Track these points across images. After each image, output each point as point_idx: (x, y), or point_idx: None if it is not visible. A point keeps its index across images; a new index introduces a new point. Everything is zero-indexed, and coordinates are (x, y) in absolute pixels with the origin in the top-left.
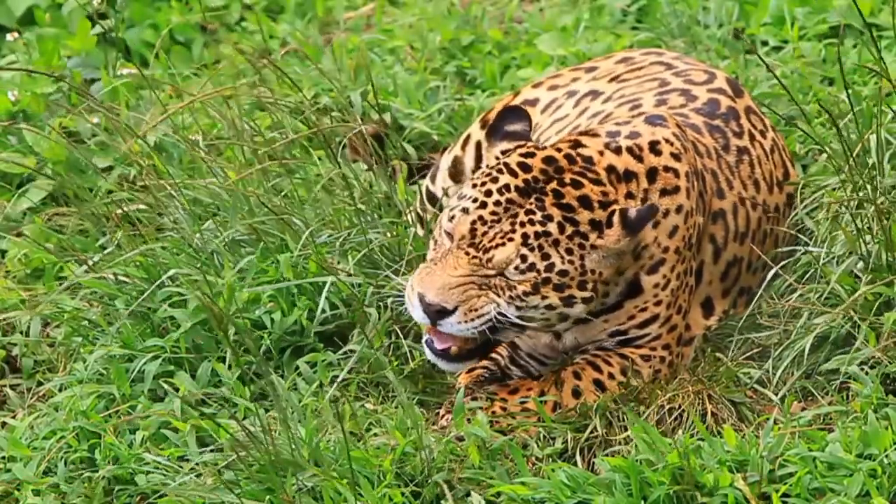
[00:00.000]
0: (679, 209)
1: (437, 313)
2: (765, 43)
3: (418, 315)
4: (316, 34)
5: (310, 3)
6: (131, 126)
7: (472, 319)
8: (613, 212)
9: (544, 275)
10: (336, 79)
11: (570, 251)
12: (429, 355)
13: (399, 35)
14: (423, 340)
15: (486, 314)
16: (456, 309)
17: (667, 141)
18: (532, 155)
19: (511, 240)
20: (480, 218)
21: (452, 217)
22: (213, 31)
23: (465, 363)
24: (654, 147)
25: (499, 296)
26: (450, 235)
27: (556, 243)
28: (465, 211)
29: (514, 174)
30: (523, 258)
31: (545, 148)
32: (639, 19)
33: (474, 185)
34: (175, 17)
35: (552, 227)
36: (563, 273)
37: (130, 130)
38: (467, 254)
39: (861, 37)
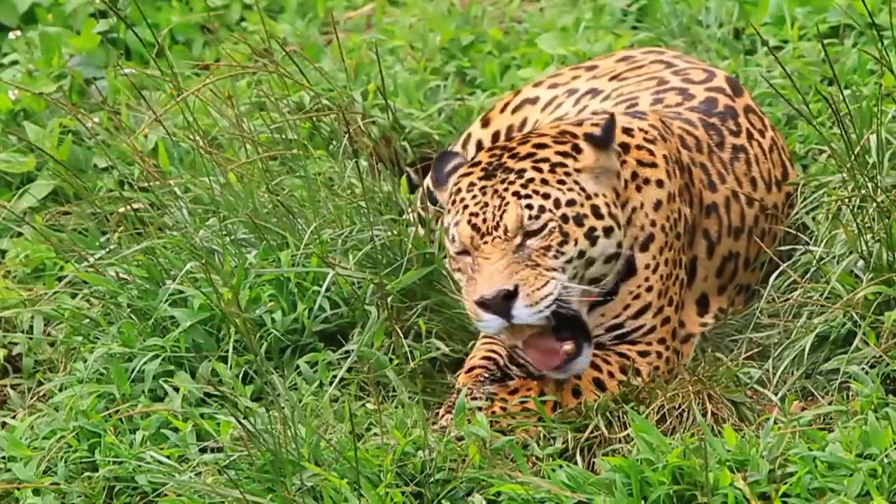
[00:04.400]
0: (660, 184)
1: (505, 300)
2: (765, 43)
3: (493, 323)
4: (316, 34)
5: (310, 3)
6: (132, 126)
7: (537, 302)
8: (576, 144)
9: (558, 212)
10: (335, 79)
11: (561, 182)
12: (547, 374)
13: (399, 35)
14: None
15: (549, 294)
16: (517, 288)
17: (641, 129)
18: (477, 156)
19: (507, 203)
20: (472, 214)
21: (453, 240)
22: (213, 31)
23: (571, 365)
24: (628, 131)
25: (541, 264)
26: (465, 253)
27: (544, 182)
28: (457, 224)
29: (469, 174)
30: (529, 207)
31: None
32: (639, 19)
33: (449, 211)
34: (175, 17)
35: (531, 174)
36: (571, 203)
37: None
38: (485, 242)
39: (861, 36)
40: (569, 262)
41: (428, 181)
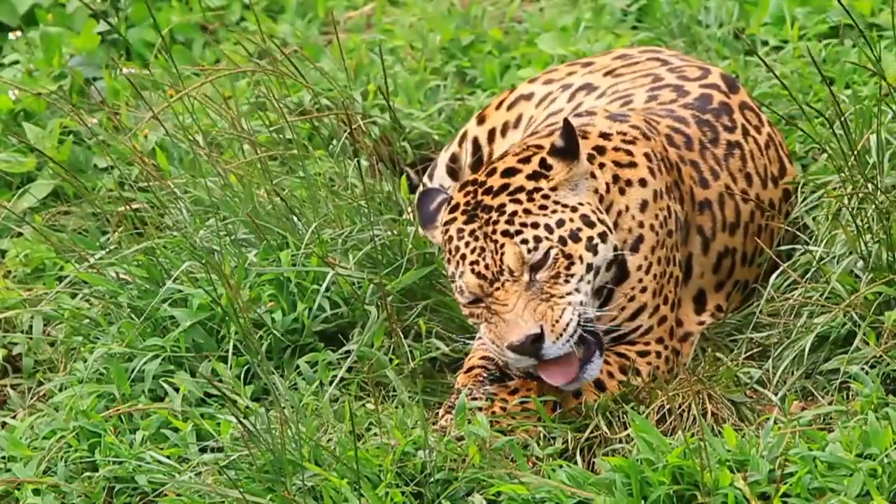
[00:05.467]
0: (643, 183)
1: (534, 343)
2: (765, 43)
3: (524, 362)
4: (316, 34)
5: (310, 3)
6: (132, 126)
7: (561, 334)
8: (542, 159)
9: (554, 237)
10: (336, 79)
11: (543, 207)
12: (560, 386)
13: (399, 35)
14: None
15: (570, 321)
16: (542, 330)
17: (620, 132)
18: (453, 197)
19: (502, 245)
20: (473, 263)
21: (461, 291)
22: (213, 31)
23: (581, 373)
24: (606, 135)
25: (554, 293)
26: (476, 301)
27: (527, 212)
28: (461, 275)
29: (454, 219)
30: (524, 241)
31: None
32: (639, 19)
33: (448, 260)
34: (175, 17)
35: (511, 208)
36: (561, 223)
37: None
38: (497, 289)
39: (860, 37)
40: (580, 280)
41: (425, 179)
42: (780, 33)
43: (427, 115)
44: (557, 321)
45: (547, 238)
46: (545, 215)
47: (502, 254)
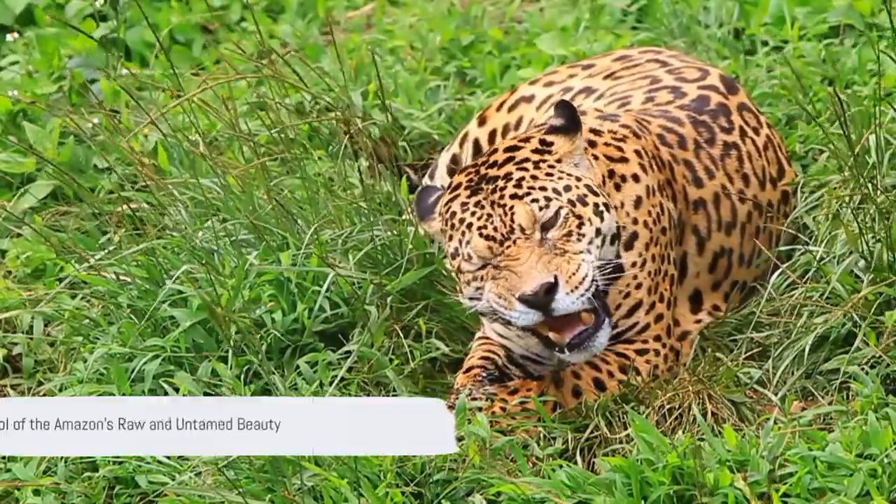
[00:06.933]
0: (636, 178)
1: (547, 294)
2: (765, 43)
3: (531, 317)
4: (316, 34)
5: (310, 3)
6: (132, 126)
7: (577, 287)
8: (542, 139)
9: (563, 198)
10: (335, 79)
11: (549, 174)
12: (567, 357)
13: (399, 35)
14: (556, 351)
15: (586, 275)
16: (557, 279)
17: (611, 131)
18: (452, 180)
19: (511, 207)
20: (480, 227)
21: (469, 258)
22: (213, 31)
23: (591, 341)
24: (597, 132)
25: (568, 250)
26: (485, 264)
27: (534, 178)
28: (468, 242)
29: (456, 196)
30: (535, 200)
31: None
32: (639, 19)
33: (450, 237)
34: (175, 17)
35: (518, 174)
36: (568, 188)
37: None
38: (508, 247)
39: (860, 37)
40: (590, 242)
41: (426, 180)
42: (780, 33)
43: (427, 115)
44: (574, 274)
45: (557, 198)
46: (552, 181)
47: (512, 214)
